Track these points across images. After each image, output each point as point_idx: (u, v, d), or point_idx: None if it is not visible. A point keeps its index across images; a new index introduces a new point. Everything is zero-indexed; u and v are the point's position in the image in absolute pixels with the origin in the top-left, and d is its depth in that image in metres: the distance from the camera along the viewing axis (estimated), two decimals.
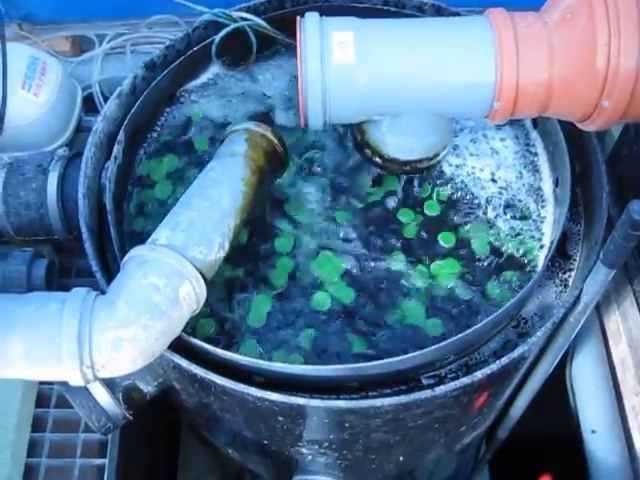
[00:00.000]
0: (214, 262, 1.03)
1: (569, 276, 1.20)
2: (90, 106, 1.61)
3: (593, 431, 1.52)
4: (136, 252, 0.97)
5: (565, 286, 1.19)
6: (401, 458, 1.25)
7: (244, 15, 1.36)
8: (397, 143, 1.16)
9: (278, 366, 0.98)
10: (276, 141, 1.21)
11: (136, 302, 0.91)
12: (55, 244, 1.47)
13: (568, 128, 1.20)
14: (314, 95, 1.03)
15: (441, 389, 0.98)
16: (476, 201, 1.23)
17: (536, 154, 1.31)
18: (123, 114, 1.32)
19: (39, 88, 1.40)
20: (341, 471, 1.30)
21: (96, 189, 1.25)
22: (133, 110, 1.27)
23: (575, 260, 1.22)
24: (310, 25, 1.04)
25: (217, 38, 1.35)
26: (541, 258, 1.20)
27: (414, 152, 1.18)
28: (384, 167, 1.21)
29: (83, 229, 1.14)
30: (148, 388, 1.13)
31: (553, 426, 1.82)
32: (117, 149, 1.24)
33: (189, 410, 1.29)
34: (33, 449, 1.33)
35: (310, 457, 1.24)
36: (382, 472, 1.33)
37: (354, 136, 1.22)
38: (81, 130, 1.52)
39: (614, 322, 1.50)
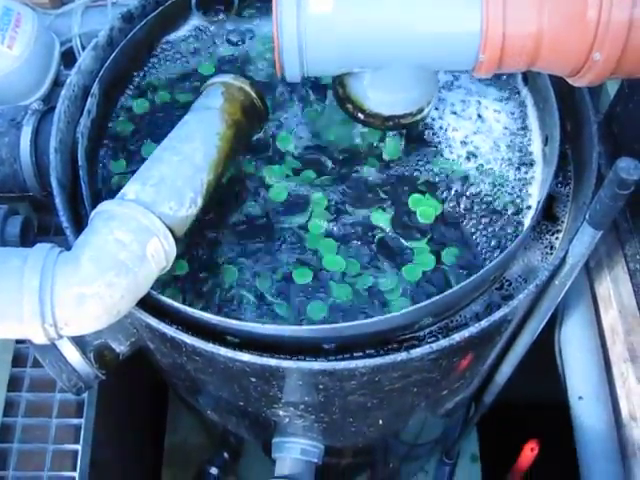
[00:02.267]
0: (185, 218, 0.99)
1: (556, 238, 1.16)
2: (70, 60, 1.55)
3: (580, 397, 1.50)
4: (103, 207, 0.94)
5: (551, 248, 1.15)
6: (380, 422, 1.23)
7: None
8: (379, 97, 1.11)
9: (250, 326, 0.95)
10: (254, 94, 1.16)
11: (101, 258, 0.88)
12: (33, 202, 1.43)
13: (560, 86, 1.16)
14: (290, 45, 0.98)
15: (417, 351, 0.95)
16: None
17: (526, 113, 1.26)
18: (99, 67, 1.27)
19: (13, 40, 1.35)
20: (320, 434, 1.29)
21: (70, 144, 1.21)
22: (108, 62, 1.23)
23: (563, 222, 1.18)
24: None
25: None
26: (527, 220, 1.16)
27: (397, 107, 1.13)
28: (367, 122, 1.16)
29: (54, 184, 1.11)
30: (120, 347, 1.11)
31: (541, 391, 1.80)
32: (90, 102, 1.19)
33: (166, 371, 1.27)
34: (9, 408, 1.32)
35: (287, 419, 1.22)
36: (362, 435, 1.31)
37: (335, 90, 1.17)
38: (59, 85, 1.47)
39: (605, 288, 1.47)
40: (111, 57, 1.23)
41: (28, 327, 0.85)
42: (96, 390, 1.34)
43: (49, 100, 1.44)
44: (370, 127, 1.18)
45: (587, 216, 0.98)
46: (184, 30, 1.37)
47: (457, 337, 0.97)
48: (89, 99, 1.19)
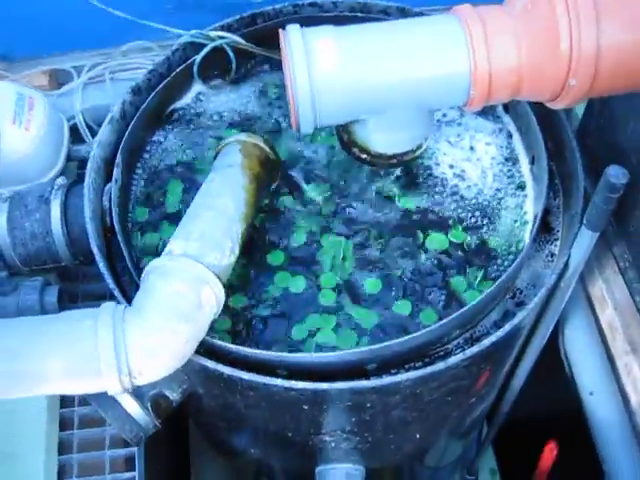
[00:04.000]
0: (228, 266, 1.09)
1: (555, 246, 1.29)
2: (75, 136, 1.65)
3: (591, 393, 1.61)
4: (156, 264, 1.03)
5: (552, 256, 1.28)
6: (417, 435, 1.31)
7: (221, 34, 1.43)
8: (383, 139, 1.23)
9: (301, 356, 1.04)
10: (268, 149, 1.28)
11: (164, 309, 0.96)
12: (59, 272, 1.51)
13: (538, 109, 1.29)
14: (304, 101, 1.09)
15: (453, 360, 1.05)
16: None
17: (510, 139, 1.40)
18: (116, 139, 1.37)
19: (29, 122, 1.44)
20: (362, 455, 1.37)
21: (99, 212, 1.30)
22: (127, 134, 1.32)
23: (558, 231, 1.30)
24: (293, 36, 1.10)
25: (198, 58, 1.42)
26: (526, 234, 1.28)
27: (399, 146, 1.25)
28: (372, 163, 1.28)
29: (95, 251, 1.19)
30: (174, 395, 1.18)
31: (552, 397, 1.90)
32: (117, 172, 1.29)
33: (209, 414, 1.34)
34: (62, 472, 1.37)
35: (332, 444, 1.30)
36: (400, 453, 1.39)
37: (340, 137, 1.29)
38: (70, 159, 1.56)
39: (598, 289, 1.59)
40: (129, 128, 1.33)
41: (106, 380, 0.93)
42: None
43: (65, 175, 1.53)
44: (375, 166, 1.30)
45: (584, 220, 1.10)
46: (188, 98, 1.48)
47: (486, 342, 1.07)
48: (115, 169, 1.28)
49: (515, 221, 1.31)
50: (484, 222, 1.30)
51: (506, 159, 1.37)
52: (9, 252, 1.34)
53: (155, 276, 1.01)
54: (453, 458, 1.91)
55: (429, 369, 1.04)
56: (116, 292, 1.13)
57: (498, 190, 1.34)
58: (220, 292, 1.04)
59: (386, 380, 1.03)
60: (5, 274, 1.31)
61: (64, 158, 1.52)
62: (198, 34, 1.43)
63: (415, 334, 1.04)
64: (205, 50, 1.41)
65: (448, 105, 1.24)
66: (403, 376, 1.04)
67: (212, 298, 1.02)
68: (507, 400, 1.64)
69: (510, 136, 1.40)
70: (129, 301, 1.03)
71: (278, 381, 1.03)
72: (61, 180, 1.36)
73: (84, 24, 1.63)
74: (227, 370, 1.04)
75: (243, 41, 1.43)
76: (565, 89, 1.12)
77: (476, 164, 1.37)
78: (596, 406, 1.59)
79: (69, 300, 1.52)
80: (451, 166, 1.38)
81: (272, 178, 1.29)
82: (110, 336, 0.92)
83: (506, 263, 1.25)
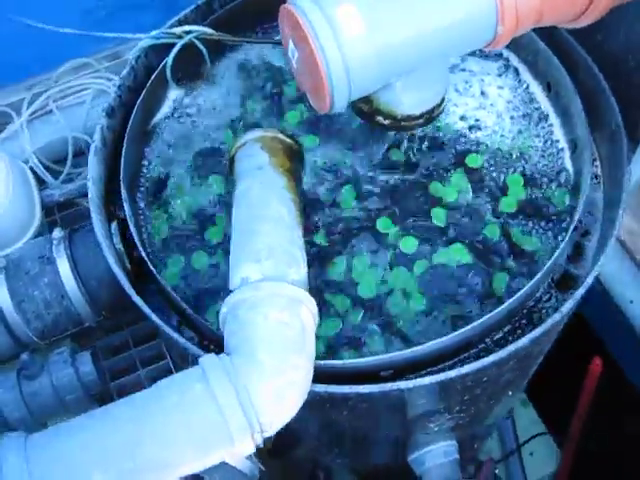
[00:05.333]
0: (306, 277, 0.97)
1: (596, 167, 1.24)
2: (36, 179, 1.45)
3: (631, 301, 1.62)
4: (239, 298, 0.89)
5: (596, 177, 1.23)
6: (510, 393, 1.26)
7: (187, 28, 1.27)
8: (411, 99, 1.13)
9: (401, 354, 0.96)
10: (289, 140, 1.15)
11: (274, 345, 0.84)
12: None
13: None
14: (338, 75, 0.98)
15: (566, 307, 0.99)
16: None
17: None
18: (105, 170, 1.21)
19: None
20: (453, 431, 1.30)
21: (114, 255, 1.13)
22: (123, 164, 1.16)
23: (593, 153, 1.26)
24: (309, 9, 0.98)
25: (169, 60, 1.26)
26: (566, 160, 1.24)
27: (427, 103, 1.16)
28: (399, 127, 1.18)
29: (137, 300, 1.03)
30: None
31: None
32: (127, 208, 1.13)
33: (301, 443, 1.24)
34: None
35: (428, 430, 1.22)
36: (489, 417, 1.34)
37: (358, 109, 1.18)
38: (44, 208, 1.37)
39: None
40: (123, 158, 1.17)
41: (239, 445, 0.80)
42: None
43: (42, 225, 1.34)
44: (403, 130, 1.20)
45: None
46: (166, 106, 1.32)
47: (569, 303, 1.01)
48: (124, 205, 1.12)
49: (550, 154, 1.25)
50: (520, 163, 1.24)
51: (520, 95, 1.31)
52: (22, 329, 1.15)
53: (245, 311, 0.88)
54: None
55: (547, 324, 0.97)
56: (194, 341, 0.99)
57: (521, 128, 1.28)
58: (314, 308, 0.92)
59: (511, 347, 0.96)
60: (27, 356, 1.13)
61: (40, 206, 1.33)
62: (161, 34, 1.27)
63: (492, 313, 0.98)
64: (176, 49, 1.25)
65: (475, 47, 1.15)
66: (524, 339, 0.97)
67: (310, 317, 0.91)
68: None
69: (517, 72, 1.33)
70: None
71: (401, 384, 0.94)
72: (58, 233, 1.18)
73: (8, 56, 1.43)
74: (344, 389, 0.94)
75: (214, 31, 1.28)
76: (594, 3, 1.07)
77: (490, 109, 1.31)
78: (637, 312, 1.61)
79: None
80: (462, 117, 1.31)
81: (302, 167, 1.17)
82: (231, 395, 0.79)
83: (557, 195, 1.20)
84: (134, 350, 1.34)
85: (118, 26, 1.49)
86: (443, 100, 1.20)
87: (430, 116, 1.18)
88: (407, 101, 1.14)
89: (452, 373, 0.95)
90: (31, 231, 1.29)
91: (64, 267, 1.15)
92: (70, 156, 1.45)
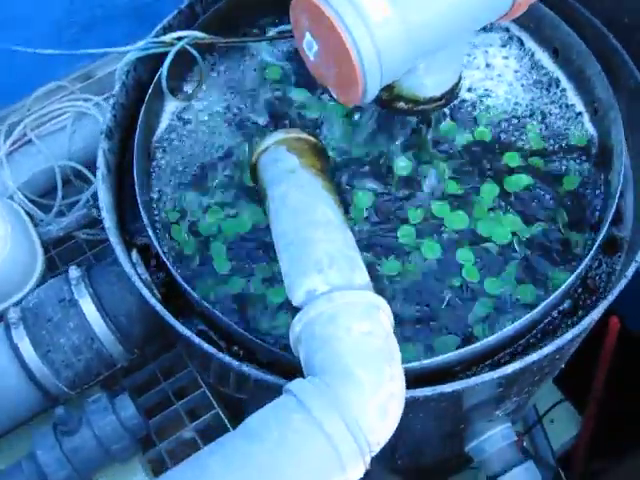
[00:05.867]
0: (369, 279, 0.91)
1: None
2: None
3: None
4: (312, 313, 0.82)
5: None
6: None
7: (179, 34, 1.18)
8: (434, 81, 1.09)
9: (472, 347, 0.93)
10: (312, 138, 1.09)
11: (365, 358, 0.78)
12: None
13: None
14: (370, 61, 0.92)
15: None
16: None
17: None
18: (113, 197, 1.12)
19: None
20: (508, 415, 1.27)
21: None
22: (139, 196, 1.06)
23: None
24: None
25: (164, 70, 1.16)
26: (587, 123, 1.21)
27: (448, 83, 1.11)
28: (422, 111, 1.13)
29: (188, 333, 0.95)
30: None
31: None
32: (152, 235, 1.04)
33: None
34: None
35: (485, 420, 1.19)
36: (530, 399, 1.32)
37: (377, 98, 1.12)
38: (44, 245, 1.26)
39: None
40: (136, 181, 1.08)
41: (350, 472, 0.73)
42: None
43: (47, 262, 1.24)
44: (424, 114, 1.16)
45: None
46: (165, 120, 1.23)
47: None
48: (149, 231, 1.04)
49: (567, 118, 1.23)
50: (540, 128, 1.21)
51: (526, 63, 1.28)
52: (52, 382, 1.06)
53: (323, 327, 0.81)
54: None
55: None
56: (265, 375, 0.92)
57: (533, 96, 1.25)
58: (389, 309, 0.86)
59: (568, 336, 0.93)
60: (62, 410, 1.03)
61: (41, 249, 1.22)
62: (149, 44, 1.18)
63: (534, 311, 0.95)
64: (170, 57, 1.16)
65: (495, 18, 1.11)
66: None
67: (388, 321, 0.85)
68: None
69: (520, 41, 1.30)
70: None
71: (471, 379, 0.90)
72: (76, 272, 1.08)
73: None
74: (426, 391, 0.89)
75: (206, 35, 1.20)
76: None
77: (498, 79, 1.27)
78: None
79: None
80: (470, 89, 1.27)
81: (329, 165, 1.11)
82: (337, 420, 0.72)
83: (584, 160, 1.17)
84: (165, 383, 1.24)
85: (91, 43, 1.40)
86: (460, 79, 1.16)
87: (450, 96, 1.14)
88: (429, 83, 1.09)
89: (535, 356, 0.91)
90: (35, 275, 1.18)
91: (89, 307, 1.05)
92: (60, 187, 1.34)
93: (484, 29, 1.31)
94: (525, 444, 2.01)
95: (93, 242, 1.39)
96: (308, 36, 1.00)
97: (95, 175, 1.11)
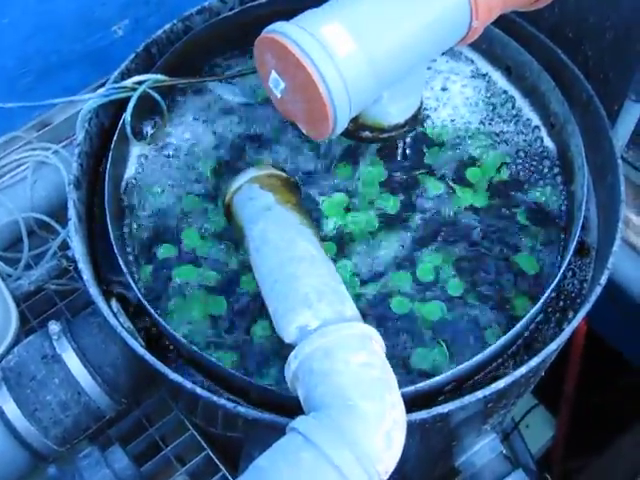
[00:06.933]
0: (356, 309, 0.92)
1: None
2: None
3: None
4: (308, 350, 0.83)
5: None
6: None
7: (139, 78, 1.18)
8: (398, 108, 1.12)
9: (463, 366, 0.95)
10: (284, 173, 1.11)
11: (365, 389, 0.79)
12: None
13: None
14: (339, 95, 0.94)
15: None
16: None
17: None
18: (84, 244, 1.11)
19: None
20: (494, 426, 1.29)
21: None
22: (112, 238, 1.06)
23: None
24: (296, 34, 0.94)
25: (127, 115, 1.16)
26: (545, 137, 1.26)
27: (411, 109, 1.15)
28: (387, 139, 1.16)
29: (179, 379, 0.94)
30: None
31: None
32: (131, 281, 1.03)
33: None
34: None
35: (473, 436, 1.21)
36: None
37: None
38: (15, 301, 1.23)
39: None
40: (110, 230, 1.06)
41: None
42: None
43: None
44: (388, 141, 1.18)
45: (631, 95, 1.10)
46: (132, 166, 1.22)
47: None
48: (127, 277, 1.03)
49: (525, 134, 1.27)
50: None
51: (480, 84, 1.32)
52: (40, 440, 1.03)
53: (321, 362, 0.81)
54: None
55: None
56: (272, 417, 0.92)
57: (488, 114, 1.29)
58: (380, 338, 0.87)
59: (568, 328, 0.97)
60: (54, 469, 1.01)
61: (14, 305, 1.19)
62: (111, 90, 1.17)
63: (521, 322, 0.99)
64: (132, 101, 1.16)
65: (452, 44, 1.15)
66: (558, 340, 0.98)
67: (381, 350, 0.86)
68: None
69: (472, 61, 1.34)
70: None
71: (483, 392, 0.92)
72: (56, 326, 1.06)
73: None
74: (422, 414, 0.90)
75: (166, 77, 1.20)
76: None
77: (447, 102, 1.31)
78: None
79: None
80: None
81: (301, 199, 1.12)
82: (346, 454, 0.73)
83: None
84: (152, 429, 1.22)
85: (46, 91, 1.39)
86: (422, 104, 1.19)
87: (413, 122, 1.17)
88: (394, 110, 1.12)
89: (523, 369, 0.94)
90: (11, 332, 1.14)
91: (73, 361, 1.03)
92: (26, 239, 1.31)
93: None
94: (505, 451, 2.05)
95: (64, 292, 1.37)
96: (274, 74, 1.01)
97: (61, 224, 1.10)
